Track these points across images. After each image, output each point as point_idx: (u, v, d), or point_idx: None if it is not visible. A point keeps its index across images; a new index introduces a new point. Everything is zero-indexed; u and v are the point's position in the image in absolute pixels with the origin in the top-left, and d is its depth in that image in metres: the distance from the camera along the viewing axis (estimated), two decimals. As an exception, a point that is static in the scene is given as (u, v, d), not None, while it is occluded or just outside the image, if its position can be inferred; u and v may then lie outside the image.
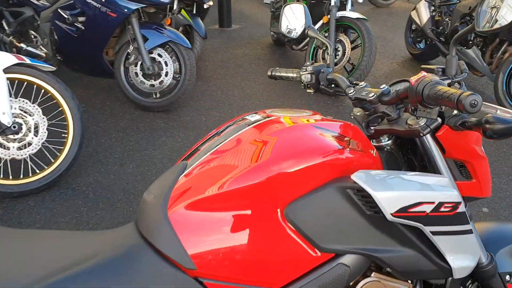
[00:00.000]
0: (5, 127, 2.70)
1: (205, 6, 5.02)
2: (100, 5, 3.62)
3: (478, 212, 2.79)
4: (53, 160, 2.92)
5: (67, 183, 3.02)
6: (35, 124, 2.89)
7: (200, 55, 5.12)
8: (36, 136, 2.89)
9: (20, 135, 2.83)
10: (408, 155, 1.35)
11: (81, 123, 2.95)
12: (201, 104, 4.30)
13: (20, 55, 2.86)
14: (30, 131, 2.87)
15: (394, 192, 1.03)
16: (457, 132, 1.17)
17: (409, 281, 1.20)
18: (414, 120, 1.17)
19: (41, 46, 4.09)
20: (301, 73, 1.51)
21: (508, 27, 3.75)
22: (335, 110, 4.19)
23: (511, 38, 4.19)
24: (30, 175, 2.87)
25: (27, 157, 2.88)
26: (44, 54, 4.05)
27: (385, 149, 1.31)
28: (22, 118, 2.84)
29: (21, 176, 2.85)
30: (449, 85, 1.21)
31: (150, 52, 3.83)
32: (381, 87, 1.21)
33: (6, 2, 4.15)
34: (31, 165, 2.90)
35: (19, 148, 2.85)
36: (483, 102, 0.91)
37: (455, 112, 1.11)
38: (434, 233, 1.08)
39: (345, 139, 1.17)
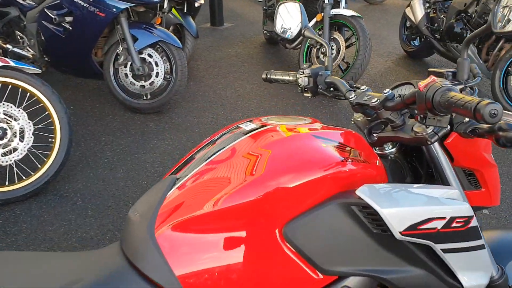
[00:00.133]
0: (-11, 133, 2.60)
1: (196, 5, 4.92)
2: (88, 5, 3.51)
3: (478, 214, 2.72)
4: (40, 166, 2.82)
5: (55, 189, 2.91)
6: (21, 129, 2.78)
7: (191, 54, 5.02)
8: (22, 142, 2.78)
9: (4, 140, 2.73)
10: (413, 163, 1.27)
11: (68, 127, 2.85)
12: (193, 105, 4.20)
13: (4, 57, 2.75)
14: (15, 137, 2.77)
15: (402, 208, 0.94)
16: (466, 139, 1.09)
17: None
18: (421, 127, 1.09)
19: (28, 47, 3.97)
20: (298, 76, 1.42)
21: None
22: (330, 109, 4.11)
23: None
24: (16, 182, 2.76)
25: (12, 163, 2.78)
26: (31, 56, 3.95)
27: (389, 157, 1.23)
28: (7, 123, 2.74)
29: (7, 183, 2.75)
30: (461, 90, 1.12)
31: (140, 52, 3.73)
32: (385, 91, 1.13)
33: (-10, 2, 4.04)
34: (16, 172, 2.80)
35: (4, 154, 2.75)
36: (503, 111, 0.82)
37: (466, 119, 1.03)
38: (445, 250, 1.00)
39: (347, 149, 1.08)
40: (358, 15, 4.33)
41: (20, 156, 2.79)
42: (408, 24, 5.54)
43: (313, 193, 0.96)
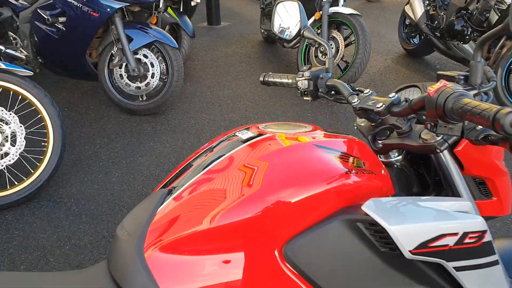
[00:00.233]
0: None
1: (193, 4, 4.86)
2: (81, 5, 3.44)
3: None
4: (32, 171, 2.74)
5: (48, 194, 2.84)
6: (12, 133, 2.71)
7: (188, 54, 4.95)
8: (14, 146, 2.71)
9: (-5, 145, 2.65)
10: (420, 171, 1.19)
11: (62, 130, 2.78)
12: (190, 106, 4.13)
13: (-6, 60, 2.68)
14: (6, 141, 2.69)
15: (412, 225, 0.86)
16: (477, 146, 1.02)
17: None
18: (430, 134, 1.02)
19: (21, 49, 3.90)
20: (297, 79, 1.35)
21: None
22: (330, 110, 4.03)
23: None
24: (8, 187, 2.69)
25: (4, 168, 2.70)
26: (24, 57, 3.88)
27: (395, 165, 1.16)
28: (-2, 127, 2.67)
29: (-2, 189, 2.68)
30: (475, 96, 1.05)
31: (135, 53, 3.66)
32: (390, 96, 1.06)
33: (-18, 3, 3.96)
34: (8, 177, 2.72)
35: (-5, 159, 2.68)
36: None
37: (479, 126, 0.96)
38: (457, 268, 0.92)
39: (351, 159, 1.00)
40: (357, 13, 4.26)
41: (12, 161, 2.71)
42: (407, 21, 5.46)
43: (315, 209, 0.89)
